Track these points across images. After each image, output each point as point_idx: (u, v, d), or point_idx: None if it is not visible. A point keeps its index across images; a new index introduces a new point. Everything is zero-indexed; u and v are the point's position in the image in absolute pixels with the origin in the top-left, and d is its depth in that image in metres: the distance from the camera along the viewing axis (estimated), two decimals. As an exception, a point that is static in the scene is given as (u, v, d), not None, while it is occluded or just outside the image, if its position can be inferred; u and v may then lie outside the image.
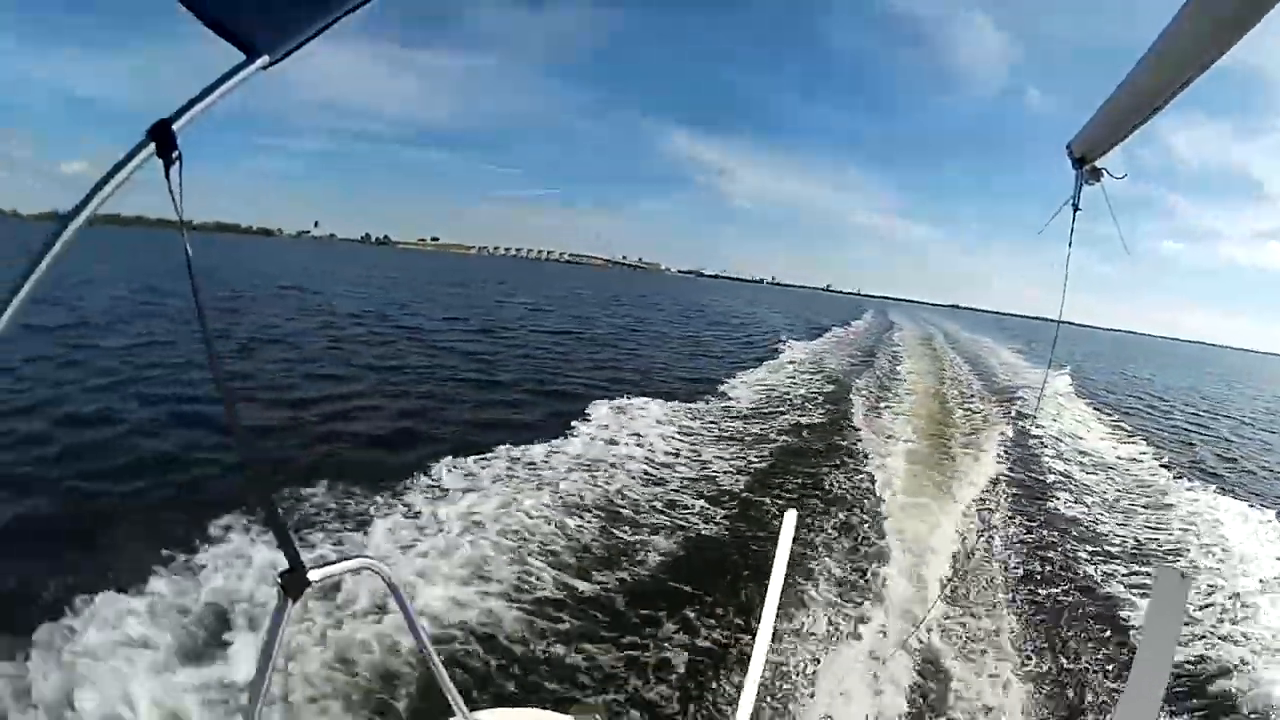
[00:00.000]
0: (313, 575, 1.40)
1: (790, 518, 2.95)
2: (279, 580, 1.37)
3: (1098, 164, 3.09)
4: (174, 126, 1.13)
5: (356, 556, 1.59)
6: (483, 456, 9.97)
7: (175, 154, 1.13)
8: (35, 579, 5.79)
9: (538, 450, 10.59)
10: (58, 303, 21.48)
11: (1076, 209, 3.41)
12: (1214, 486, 13.13)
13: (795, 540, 3.03)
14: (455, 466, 9.50)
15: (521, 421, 13.04)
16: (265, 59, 1.22)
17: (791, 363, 24.72)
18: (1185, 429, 22.66)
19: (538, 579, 6.71)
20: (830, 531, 8.77)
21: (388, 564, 1.66)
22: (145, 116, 1.11)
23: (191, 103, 1.17)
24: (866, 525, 9.15)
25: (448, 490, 8.68)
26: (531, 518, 7.96)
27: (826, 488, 10.62)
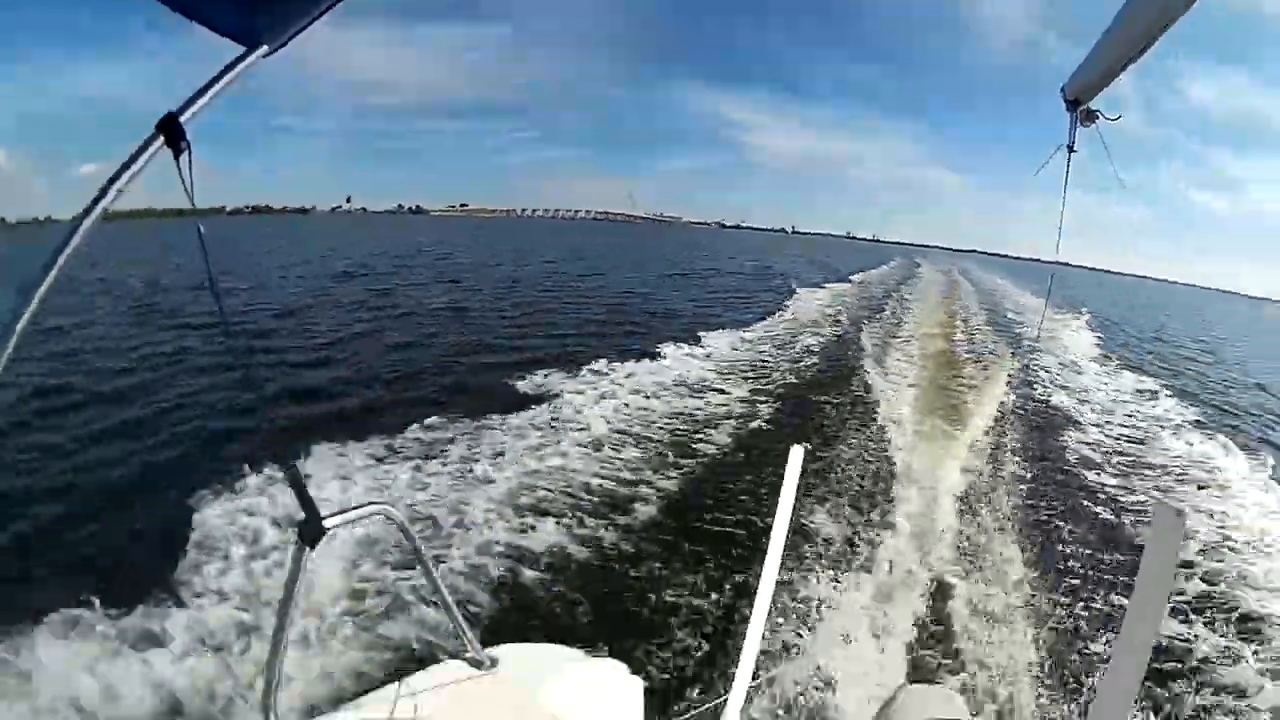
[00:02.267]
0: (328, 523, 1.44)
1: (797, 454, 2.88)
2: (296, 529, 1.43)
3: (1091, 106, 3.09)
4: (181, 119, 1.17)
5: (371, 504, 1.63)
6: (493, 411, 10.08)
7: (184, 144, 1.17)
8: (68, 534, 6.34)
9: (549, 398, 10.84)
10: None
11: (1071, 150, 3.41)
12: (1217, 431, 12.94)
13: (803, 477, 2.95)
14: (469, 415, 9.70)
15: (537, 372, 13.01)
16: (265, 48, 1.24)
17: (804, 306, 24.71)
18: (1193, 373, 22.14)
19: (547, 524, 6.89)
20: (839, 468, 8.93)
21: (401, 509, 1.73)
22: (153, 113, 1.15)
23: (196, 95, 1.20)
24: (875, 462, 9.29)
25: (460, 438, 8.90)
26: (543, 467, 8.16)
27: (836, 425, 10.76)
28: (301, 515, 1.44)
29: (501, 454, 8.40)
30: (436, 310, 20.48)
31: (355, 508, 1.56)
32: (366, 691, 1.82)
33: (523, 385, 11.60)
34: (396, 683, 1.81)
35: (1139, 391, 16.11)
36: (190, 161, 1.17)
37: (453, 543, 6.35)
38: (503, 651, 2.06)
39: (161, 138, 1.16)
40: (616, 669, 2.29)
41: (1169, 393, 16.16)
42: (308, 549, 1.44)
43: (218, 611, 5.10)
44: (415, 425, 9.11)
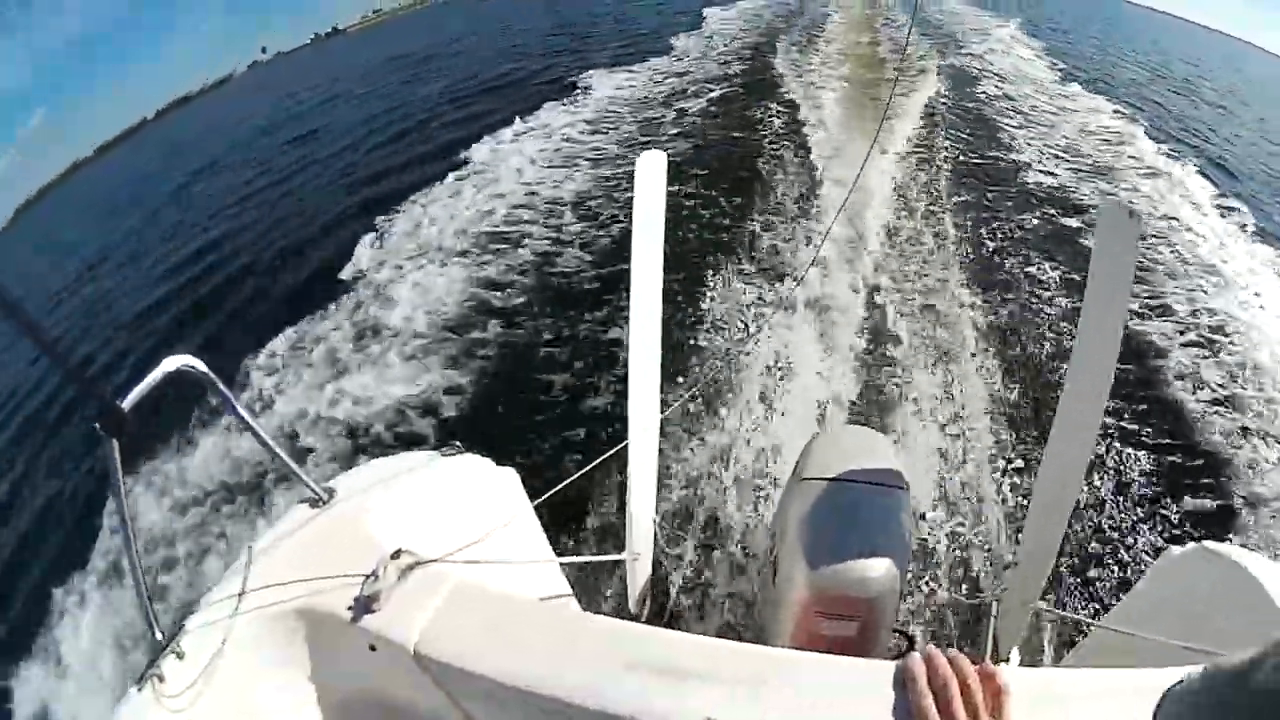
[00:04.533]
0: (127, 402, 1.25)
1: (652, 162, 2.30)
2: (95, 425, 1.24)
3: None
4: None
5: (166, 360, 1.34)
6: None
7: None
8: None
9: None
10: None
11: None
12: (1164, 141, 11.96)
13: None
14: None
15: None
16: None
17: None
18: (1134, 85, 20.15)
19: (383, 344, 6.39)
20: (763, 182, 8.38)
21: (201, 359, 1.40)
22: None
23: None
24: (799, 173, 8.69)
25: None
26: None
27: (756, 137, 10.09)
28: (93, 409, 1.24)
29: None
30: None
31: (149, 373, 1.30)
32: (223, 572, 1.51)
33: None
34: (245, 549, 1.56)
35: (1092, 109, 14.36)
36: None
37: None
38: (340, 479, 1.79)
39: None
40: (478, 463, 1.93)
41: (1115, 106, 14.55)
42: (116, 441, 1.25)
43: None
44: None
